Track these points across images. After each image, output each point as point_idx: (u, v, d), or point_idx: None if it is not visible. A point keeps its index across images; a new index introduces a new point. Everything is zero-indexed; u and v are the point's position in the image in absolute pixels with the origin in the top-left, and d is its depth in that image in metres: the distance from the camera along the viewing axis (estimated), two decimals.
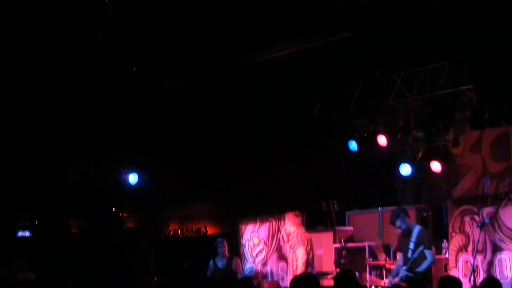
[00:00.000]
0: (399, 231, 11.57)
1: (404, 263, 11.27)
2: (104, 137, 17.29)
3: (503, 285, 11.39)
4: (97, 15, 14.08)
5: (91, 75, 15.74)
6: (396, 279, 11.31)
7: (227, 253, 14.47)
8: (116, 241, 16.36)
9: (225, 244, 14.46)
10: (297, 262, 12.52)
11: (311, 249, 12.68)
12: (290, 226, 12.87)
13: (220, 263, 14.47)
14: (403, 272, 11.13)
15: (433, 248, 11.37)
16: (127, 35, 14.79)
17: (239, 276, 13.46)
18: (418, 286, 11.02)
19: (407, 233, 11.38)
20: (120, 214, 20.56)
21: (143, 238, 14.30)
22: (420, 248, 11.02)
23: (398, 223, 11.43)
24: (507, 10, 11.72)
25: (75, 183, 17.99)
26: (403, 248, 11.51)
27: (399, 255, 11.75)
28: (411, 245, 11.23)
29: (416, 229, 11.41)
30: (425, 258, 11.04)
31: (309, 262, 12.53)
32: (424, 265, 11.01)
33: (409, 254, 11.20)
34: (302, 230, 12.77)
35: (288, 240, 12.96)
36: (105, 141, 17.34)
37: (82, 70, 15.54)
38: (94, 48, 14.98)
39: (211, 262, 14.59)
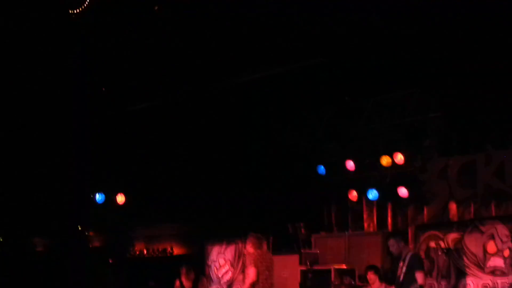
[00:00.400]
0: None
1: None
2: (71, 157, 17.21)
3: None
4: (67, 35, 14.11)
5: (59, 94, 15.72)
6: None
7: (193, 275, 14.51)
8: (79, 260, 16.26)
9: (189, 270, 14.53)
10: (245, 281, 12.56)
11: (268, 271, 12.59)
12: (250, 248, 12.89)
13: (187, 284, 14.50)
14: None
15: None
16: (98, 54, 14.84)
17: None
18: None
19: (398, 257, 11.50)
20: (86, 233, 20.41)
21: (105, 258, 14.26)
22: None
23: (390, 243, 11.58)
24: (476, 38, 11.89)
25: (40, 201, 17.85)
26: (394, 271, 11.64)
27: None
28: (404, 269, 11.30)
29: (409, 255, 11.47)
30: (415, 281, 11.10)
31: (256, 284, 12.50)
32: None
33: (401, 279, 11.27)
34: (259, 252, 12.72)
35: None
36: (72, 160, 17.26)
37: (51, 87, 15.51)
38: (63, 67, 15.00)
39: (177, 282, 14.54)
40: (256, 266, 12.28)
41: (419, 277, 11.05)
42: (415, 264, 11.28)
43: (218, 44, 13.98)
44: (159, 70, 15.25)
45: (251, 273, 12.32)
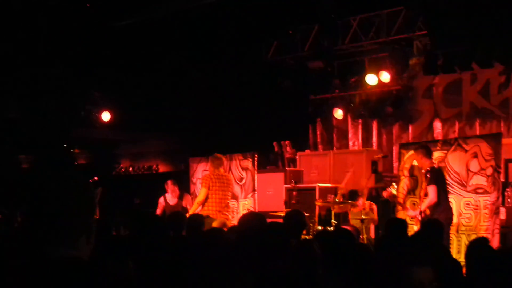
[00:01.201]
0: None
1: None
2: (58, 72, 17.08)
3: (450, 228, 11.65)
4: None
5: (45, 9, 15.53)
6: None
7: (177, 191, 14.93)
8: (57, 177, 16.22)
9: (174, 185, 14.99)
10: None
11: (223, 191, 12.77)
12: (210, 167, 13.31)
13: (171, 201, 14.89)
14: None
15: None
16: None
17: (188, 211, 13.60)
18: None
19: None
20: (72, 150, 20.40)
21: (87, 176, 14.24)
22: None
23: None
24: None
25: (26, 118, 17.76)
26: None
27: None
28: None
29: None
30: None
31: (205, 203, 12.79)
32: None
33: None
34: (216, 172, 12.90)
35: None
36: (58, 78, 17.13)
37: (35, 4, 15.33)
38: None
39: (161, 198, 14.92)
40: (207, 187, 12.56)
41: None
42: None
43: None
44: None
45: (201, 193, 12.65)
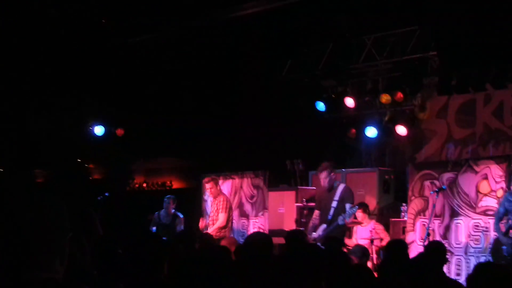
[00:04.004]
0: (324, 186, 11.82)
1: (324, 221, 11.51)
2: (72, 89, 17.19)
3: (457, 249, 11.59)
4: None
5: (59, 26, 15.61)
6: (316, 236, 11.56)
7: (171, 210, 14.59)
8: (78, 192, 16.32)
9: (172, 202, 14.62)
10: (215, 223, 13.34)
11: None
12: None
13: (165, 219, 14.58)
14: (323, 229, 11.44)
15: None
16: None
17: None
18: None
19: (329, 189, 11.61)
20: (86, 165, 20.51)
21: (104, 191, 14.30)
22: (347, 205, 11.30)
23: (324, 174, 11.67)
24: None
25: (39, 133, 17.86)
26: (322, 205, 11.75)
27: (316, 213, 11.99)
28: (334, 203, 11.49)
29: (341, 187, 11.64)
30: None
31: (224, 228, 13.08)
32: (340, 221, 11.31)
33: (331, 212, 11.46)
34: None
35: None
36: (72, 92, 17.24)
37: (51, 21, 15.41)
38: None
39: (156, 214, 14.72)
40: (227, 212, 12.68)
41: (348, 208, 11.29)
42: (345, 198, 11.44)
43: None
44: (160, 1, 15.16)
45: (221, 218, 12.77)
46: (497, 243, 10.81)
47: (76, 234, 5.28)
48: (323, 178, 11.78)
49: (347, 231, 12.24)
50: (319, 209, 12.04)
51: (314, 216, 12.16)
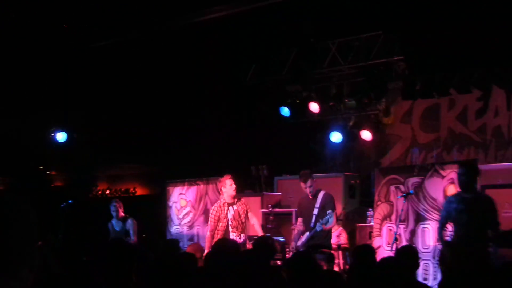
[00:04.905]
0: (307, 193, 11.73)
1: (308, 229, 11.45)
2: (32, 95, 16.96)
3: (426, 254, 11.59)
4: None
5: (20, 31, 15.39)
6: (299, 243, 11.50)
7: (121, 214, 13.83)
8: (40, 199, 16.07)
9: (118, 206, 13.83)
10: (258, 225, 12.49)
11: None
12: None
13: (117, 226, 13.84)
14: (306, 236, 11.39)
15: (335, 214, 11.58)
16: None
17: (131, 237, 13.21)
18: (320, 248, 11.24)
19: (313, 196, 11.57)
20: (48, 172, 20.27)
21: (66, 198, 14.10)
22: (328, 212, 11.24)
23: (309, 183, 11.61)
24: None
25: (1, 140, 17.59)
26: (304, 212, 11.69)
27: (299, 220, 11.90)
28: (315, 211, 11.44)
29: (321, 194, 11.60)
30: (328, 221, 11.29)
31: None
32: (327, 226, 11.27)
33: (313, 219, 11.42)
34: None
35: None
36: (33, 98, 17.02)
37: (11, 25, 15.19)
38: (24, 4, 14.65)
39: (109, 225, 13.96)
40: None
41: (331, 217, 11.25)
42: (327, 204, 11.51)
43: None
44: (122, 6, 14.99)
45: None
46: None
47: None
48: (308, 186, 11.67)
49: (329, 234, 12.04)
50: (301, 216, 11.94)
51: (298, 222, 12.05)
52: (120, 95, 17.55)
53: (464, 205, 9.56)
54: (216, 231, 12.04)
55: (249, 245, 11.60)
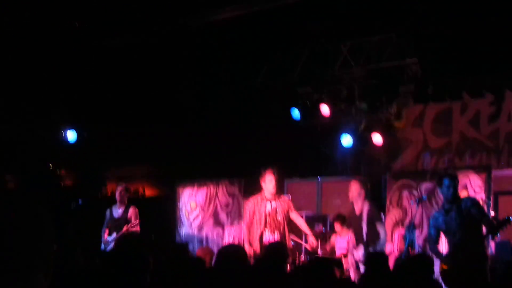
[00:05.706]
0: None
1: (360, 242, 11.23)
2: (43, 94, 16.93)
3: (437, 262, 11.45)
4: None
5: (31, 29, 15.36)
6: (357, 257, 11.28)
7: (126, 201, 12.89)
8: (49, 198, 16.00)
9: (124, 191, 12.96)
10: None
11: None
12: None
13: (116, 212, 12.85)
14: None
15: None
16: None
17: (130, 226, 12.33)
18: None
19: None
20: (58, 171, 20.20)
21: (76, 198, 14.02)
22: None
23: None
24: None
25: (11, 138, 17.56)
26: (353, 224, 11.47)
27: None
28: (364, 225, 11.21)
29: (366, 208, 11.34)
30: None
31: None
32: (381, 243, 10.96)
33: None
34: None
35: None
36: (44, 97, 16.99)
37: (22, 24, 15.15)
38: (35, 2, 14.61)
39: (107, 211, 13.00)
40: None
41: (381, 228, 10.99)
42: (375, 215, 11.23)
43: None
44: (135, 5, 14.95)
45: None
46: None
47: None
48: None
49: None
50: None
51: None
52: (130, 94, 17.50)
53: (454, 213, 9.34)
54: (251, 226, 11.52)
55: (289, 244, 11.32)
